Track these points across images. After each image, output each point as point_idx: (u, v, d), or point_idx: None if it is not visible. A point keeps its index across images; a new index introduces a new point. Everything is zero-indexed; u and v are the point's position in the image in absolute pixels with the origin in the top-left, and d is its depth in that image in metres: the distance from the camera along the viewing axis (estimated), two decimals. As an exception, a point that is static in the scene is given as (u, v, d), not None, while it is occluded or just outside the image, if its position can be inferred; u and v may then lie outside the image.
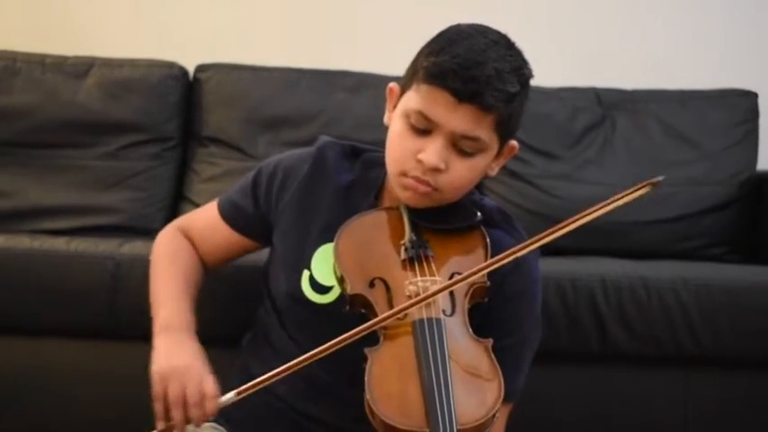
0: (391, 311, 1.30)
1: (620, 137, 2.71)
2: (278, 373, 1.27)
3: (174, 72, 2.69)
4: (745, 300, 2.03)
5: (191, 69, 2.73)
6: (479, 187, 2.63)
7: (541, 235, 1.32)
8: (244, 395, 1.30)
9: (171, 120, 2.66)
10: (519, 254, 1.33)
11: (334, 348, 1.27)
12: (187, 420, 1.34)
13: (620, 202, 1.31)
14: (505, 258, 1.32)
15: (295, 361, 1.27)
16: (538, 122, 2.68)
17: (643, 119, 2.74)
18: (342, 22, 2.95)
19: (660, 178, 1.29)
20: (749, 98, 2.77)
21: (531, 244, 1.33)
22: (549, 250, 2.41)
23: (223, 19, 2.95)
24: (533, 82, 1.39)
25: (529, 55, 1.43)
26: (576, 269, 2.04)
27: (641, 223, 2.60)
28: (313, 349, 1.41)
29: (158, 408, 1.36)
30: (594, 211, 1.31)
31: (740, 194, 2.67)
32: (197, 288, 1.60)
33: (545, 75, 2.68)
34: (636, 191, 1.30)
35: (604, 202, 1.31)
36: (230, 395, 1.31)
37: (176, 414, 1.34)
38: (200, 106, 2.69)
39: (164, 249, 1.63)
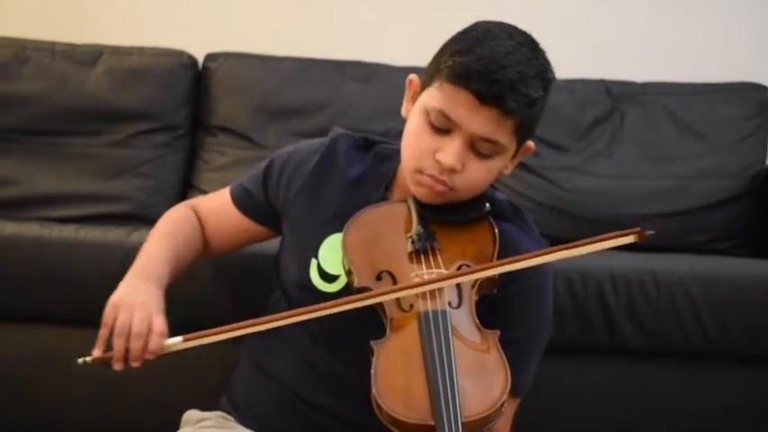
0: (393, 287, 1.32)
1: (629, 129, 2.70)
2: (250, 324, 1.33)
3: (184, 61, 2.68)
4: (754, 294, 2.02)
5: (200, 58, 2.73)
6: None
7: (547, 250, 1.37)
8: (191, 343, 1.30)
9: (180, 108, 2.66)
10: (530, 262, 1.35)
11: (328, 311, 1.31)
12: (126, 353, 1.33)
13: (606, 244, 1.34)
14: (515, 263, 1.34)
15: (282, 314, 1.34)
16: (547, 114, 2.65)
17: (653, 111, 2.72)
18: (352, 12, 2.94)
19: (650, 232, 1.32)
20: (760, 91, 2.75)
21: (539, 256, 1.36)
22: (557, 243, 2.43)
23: (233, 8, 2.94)
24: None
25: (538, 47, 1.43)
26: (584, 262, 2.02)
27: (650, 216, 2.59)
28: (323, 339, 1.42)
29: (102, 333, 1.36)
30: (579, 245, 1.34)
31: (750, 188, 2.66)
32: (188, 255, 1.61)
33: (554, 66, 2.70)
34: (623, 235, 1.33)
35: (591, 240, 1.34)
36: (177, 339, 1.29)
37: (117, 342, 1.34)
38: (209, 95, 2.69)
39: (166, 218, 1.65)
